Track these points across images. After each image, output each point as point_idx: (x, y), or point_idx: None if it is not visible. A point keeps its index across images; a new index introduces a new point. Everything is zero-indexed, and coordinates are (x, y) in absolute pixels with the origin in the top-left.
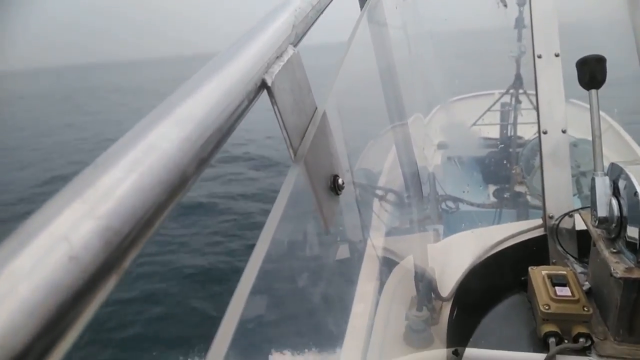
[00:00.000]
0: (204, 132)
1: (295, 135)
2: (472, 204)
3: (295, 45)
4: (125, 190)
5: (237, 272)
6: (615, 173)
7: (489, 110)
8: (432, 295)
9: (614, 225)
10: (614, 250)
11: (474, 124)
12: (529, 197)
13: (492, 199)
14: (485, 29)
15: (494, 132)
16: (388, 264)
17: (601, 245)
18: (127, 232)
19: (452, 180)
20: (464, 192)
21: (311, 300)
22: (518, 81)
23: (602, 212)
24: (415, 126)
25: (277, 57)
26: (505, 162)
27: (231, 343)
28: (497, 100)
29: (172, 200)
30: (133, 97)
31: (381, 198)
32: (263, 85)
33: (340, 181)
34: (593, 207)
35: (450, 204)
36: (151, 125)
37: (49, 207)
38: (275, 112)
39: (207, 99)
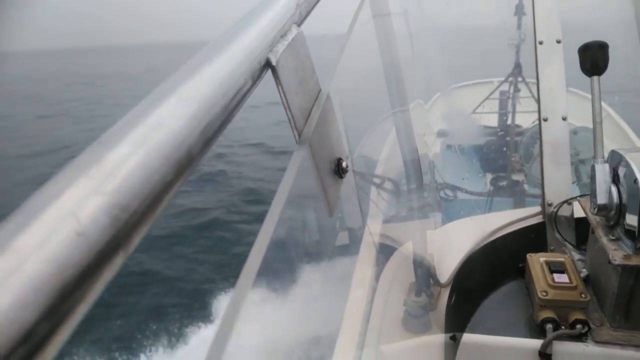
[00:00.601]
0: (210, 110)
1: (300, 117)
2: (470, 193)
3: (299, 25)
4: (131, 167)
5: None
6: (616, 160)
7: (487, 98)
8: (431, 281)
9: (613, 212)
10: (613, 238)
11: (473, 112)
12: (526, 186)
13: (490, 187)
14: (486, 12)
15: (493, 120)
16: (387, 250)
17: (600, 233)
18: (134, 209)
19: (451, 168)
20: (463, 179)
21: (309, 285)
22: (517, 69)
23: (601, 199)
24: (416, 113)
25: (282, 36)
26: (504, 149)
27: (238, 320)
28: (496, 88)
29: (179, 178)
30: None
31: (380, 185)
32: (267, 64)
33: (344, 164)
34: (592, 194)
35: (449, 191)
36: (157, 103)
37: (54, 183)
38: (279, 91)
39: (212, 78)
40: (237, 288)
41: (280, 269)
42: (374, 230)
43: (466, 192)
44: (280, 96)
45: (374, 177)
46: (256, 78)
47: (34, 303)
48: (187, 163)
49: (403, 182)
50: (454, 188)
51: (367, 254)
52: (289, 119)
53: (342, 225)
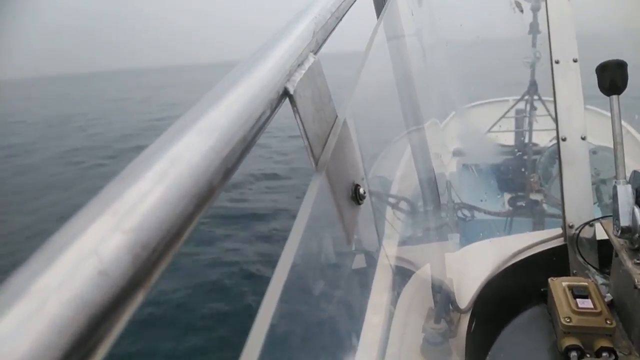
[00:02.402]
0: (229, 141)
1: (317, 144)
2: (488, 213)
3: (315, 53)
4: (152, 203)
5: None
6: (638, 181)
7: (503, 117)
8: (450, 307)
9: (637, 235)
10: (638, 262)
11: (489, 131)
12: (545, 206)
13: (508, 207)
14: (501, 35)
15: (510, 139)
16: (404, 273)
17: (624, 256)
18: (155, 245)
19: (468, 188)
20: (481, 201)
21: (326, 311)
22: (533, 87)
23: (624, 221)
24: (432, 132)
25: (299, 65)
26: (522, 169)
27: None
28: (512, 107)
29: (199, 211)
30: None
31: (396, 205)
32: (285, 93)
33: (361, 190)
34: (615, 216)
35: (466, 212)
36: (177, 136)
37: (77, 220)
38: (297, 120)
39: (231, 108)
40: (260, 314)
41: (298, 295)
42: (390, 252)
43: (484, 212)
44: (298, 124)
45: (390, 197)
46: (274, 107)
47: (57, 344)
48: (207, 195)
49: (419, 202)
50: (472, 208)
51: (383, 277)
52: (306, 146)
53: (359, 247)
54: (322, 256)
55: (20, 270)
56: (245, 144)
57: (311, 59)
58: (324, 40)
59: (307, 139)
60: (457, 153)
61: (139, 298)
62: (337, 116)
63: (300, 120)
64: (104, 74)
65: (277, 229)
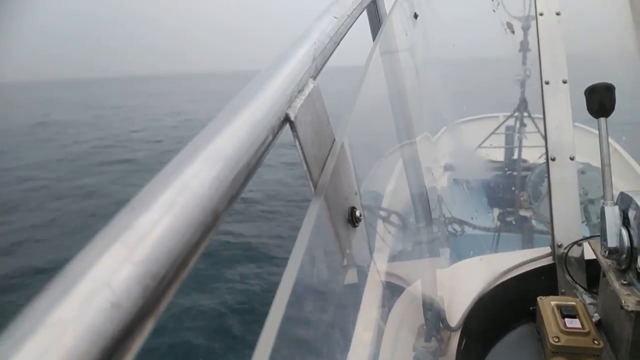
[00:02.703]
0: (233, 169)
1: (315, 168)
2: (478, 228)
3: (314, 78)
4: (161, 233)
5: None
6: (625, 203)
7: (493, 133)
8: (441, 325)
9: (624, 256)
10: (625, 282)
11: (479, 146)
12: (534, 222)
13: (497, 223)
14: (492, 55)
15: (499, 155)
16: (395, 289)
17: (611, 277)
18: (163, 275)
19: (459, 203)
20: (472, 218)
21: (317, 327)
22: (523, 104)
23: (612, 242)
24: (424, 146)
25: (299, 91)
26: (512, 187)
27: None
28: (501, 123)
29: (205, 239)
30: None
31: (387, 219)
32: (286, 119)
33: (357, 213)
34: (603, 236)
35: (457, 226)
36: (183, 165)
37: (89, 252)
38: (296, 145)
39: (235, 136)
40: (263, 337)
41: (297, 314)
42: (381, 267)
43: (474, 227)
44: (297, 149)
45: (381, 210)
46: (276, 133)
47: None
48: (212, 223)
49: (411, 216)
50: (462, 223)
51: (374, 292)
52: (305, 170)
53: (351, 262)
54: (318, 277)
55: (36, 303)
56: (249, 170)
57: (311, 84)
58: (323, 65)
59: (306, 163)
60: (448, 168)
61: (149, 327)
62: (334, 139)
63: (300, 145)
64: (99, 80)
65: None
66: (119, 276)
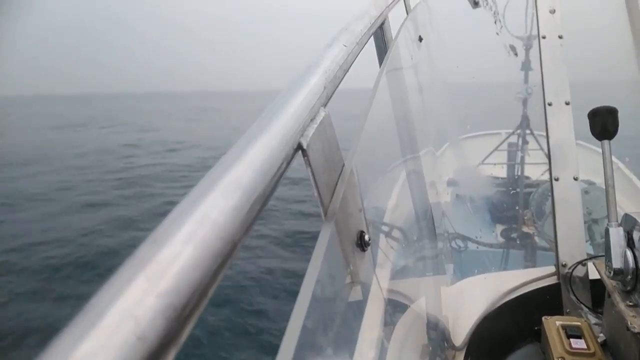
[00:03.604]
0: (250, 198)
1: (326, 193)
2: (481, 244)
3: (325, 106)
4: (182, 264)
5: None
6: (630, 224)
7: (495, 150)
8: (445, 345)
9: (629, 277)
10: (630, 304)
11: (481, 163)
12: (537, 239)
13: (501, 239)
14: (496, 77)
15: (502, 172)
16: (398, 307)
17: (616, 298)
18: (185, 305)
19: (462, 219)
20: (476, 236)
21: (321, 348)
22: (525, 122)
23: (616, 263)
24: (427, 160)
25: (311, 120)
26: (515, 204)
27: None
28: (504, 140)
29: (223, 268)
30: None
31: (390, 234)
32: (299, 147)
33: (366, 237)
34: (607, 257)
35: (460, 242)
36: (202, 196)
37: (113, 285)
38: (309, 172)
39: (251, 166)
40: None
41: (309, 337)
42: (384, 284)
43: (477, 243)
44: (310, 176)
45: (384, 225)
46: (289, 160)
47: None
48: (230, 252)
49: (415, 232)
50: (465, 239)
51: (376, 311)
52: (316, 197)
53: (356, 279)
54: (329, 299)
55: (64, 335)
56: (264, 199)
57: (322, 113)
58: (333, 93)
59: (318, 189)
60: (450, 183)
61: (171, 357)
62: (344, 164)
63: (312, 172)
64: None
65: None
66: (143, 309)
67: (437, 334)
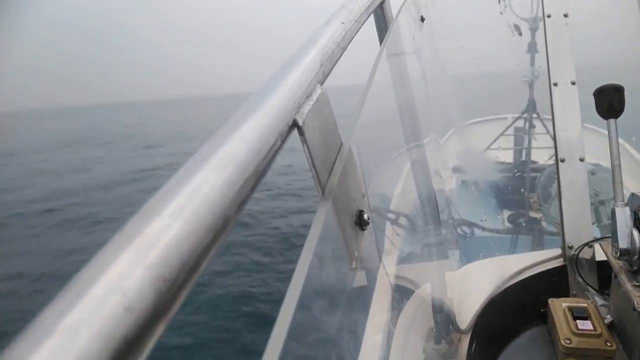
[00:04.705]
0: (243, 174)
1: (323, 172)
2: (487, 229)
3: (322, 84)
4: (172, 238)
5: None
6: (636, 204)
7: (502, 134)
8: (451, 327)
9: (636, 257)
10: (637, 284)
11: (488, 148)
12: (544, 223)
13: (507, 225)
14: (501, 54)
15: (508, 157)
16: (404, 292)
17: (623, 278)
18: (175, 278)
19: (468, 205)
20: (481, 220)
21: (326, 330)
22: (531, 105)
23: (623, 243)
24: (431, 148)
25: (307, 97)
26: (521, 189)
27: None
28: (510, 124)
29: (215, 243)
30: None
31: (396, 221)
32: (294, 124)
33: (365, 216)
34: (614, 238)
35: (466, 228)
36: (193, 171)
37: (102, 257)
38: (305, 150)
39: (244, 141)
40: (271, 344)
41: (306, 317)
42: (390, 270)
43: (483, 229)
44: (305, 154)
45: (390, 213)
46: (284, 138)
47: None
48: (222, 227)
49: (419, 219)
50: (471, 225)
51: (383, 296)
52: (313, 175)
53: (360, 265)
54: (327, 280)
55: (50, 307)
56: (258, 175)
57: (318, 90)
58: (330, 70)
59: (314, 167)
60: (456, 170)
61: (160, 329)
62: (342, 143)
63: (308, 149)
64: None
65: None
66: (131, 280)
67: (442, 317)
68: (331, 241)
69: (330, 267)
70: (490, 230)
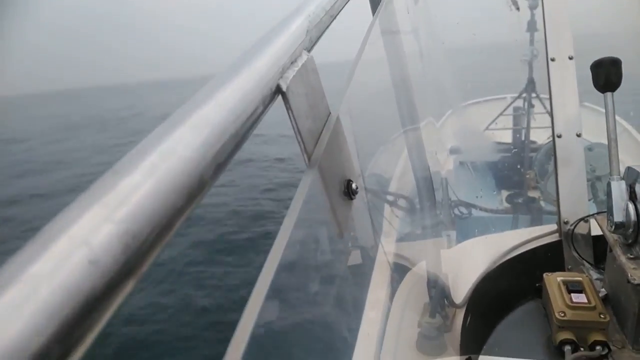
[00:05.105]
0: (221, 136)
1: (310, 140)
2: (485, 210)
3: (309, 51)
4: (143, 195)
5: None
6: (632, 177)
7: (501, 114)
8: (445, 302)
9: (630, 230)
10: (631, 256)
11: (487, 129)
12: (542, 203)
13: (505, 205)
14: (498, 33)
15: (507, 137)
16: (400, 270)
17: (618, 251)
18: (145, 235)
19: (465, 186)
20: (477, 197)
21: (322, 307)
22: (530, 85)
23: (618, 217)
24: (428, 131)
25: (292, 63)
26: (519, 167)
27: (246, 349)
28: (509, 105)
29: (190, 204)
30: None
31: (393, 203)
32: (278, 90)
33: (354, 186)
34: (609, 212)
35: (463, 209)
36: (169, 131)
37: (69, 212)
38: (289, 117)
39: (223, 104)
40: (247, 310)
41: (290, 291)
42: (387, 249)
43: (481, 209)
44: (291, 121)
45: (387, 194)
46: (267, 104)
47: (48, 329)
48: (198, 189)
49: (416, 200)
50: (468, 205)
51: (381, 273)
52: (298, 142)
53: (355, 244)
54: (314, 251)
55: (13, 258)
56: (237, 139)
57: (304, 56)
58: (318, 38)
59: (300, 135)
60: (454, 151)
61: (129, 287)
62: (330, 113)
63: (293, 116)
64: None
65: None
66: (98, 234)
67: (437, 291)
68: (317, 209)
69: (315, 234)
70: (488, 211)
